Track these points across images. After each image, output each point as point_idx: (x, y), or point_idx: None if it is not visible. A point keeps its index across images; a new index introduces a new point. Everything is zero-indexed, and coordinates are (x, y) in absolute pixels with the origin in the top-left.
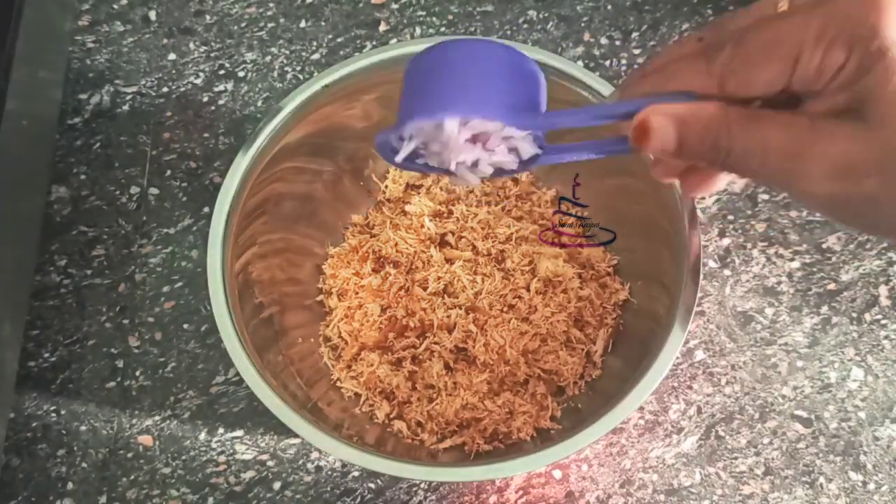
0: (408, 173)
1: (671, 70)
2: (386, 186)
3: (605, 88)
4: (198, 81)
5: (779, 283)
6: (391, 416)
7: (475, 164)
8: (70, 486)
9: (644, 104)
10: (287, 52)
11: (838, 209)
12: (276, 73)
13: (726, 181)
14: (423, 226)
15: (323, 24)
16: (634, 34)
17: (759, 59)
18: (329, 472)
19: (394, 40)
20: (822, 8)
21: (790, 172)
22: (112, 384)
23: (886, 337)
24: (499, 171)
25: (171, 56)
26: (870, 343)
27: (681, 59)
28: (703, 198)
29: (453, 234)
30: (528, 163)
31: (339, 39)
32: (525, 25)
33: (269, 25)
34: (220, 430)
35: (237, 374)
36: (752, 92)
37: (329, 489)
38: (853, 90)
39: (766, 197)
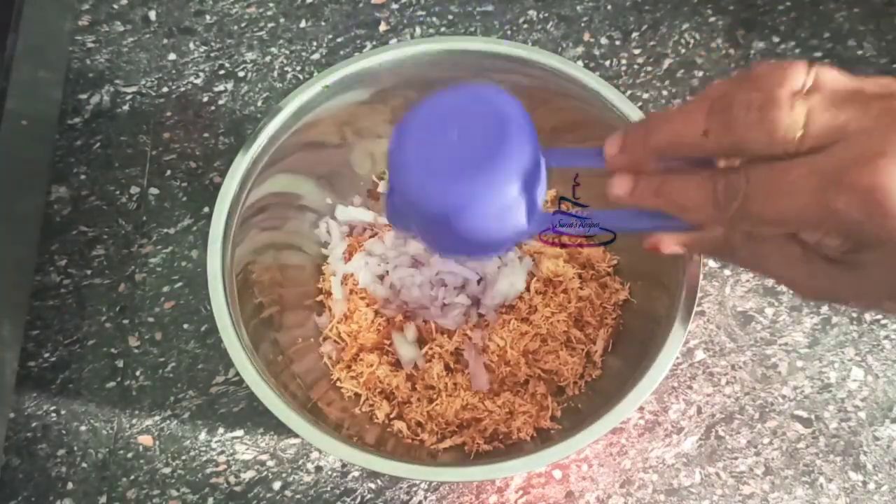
0: None
1: (675, 184)
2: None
3: (606, 88)
4: (198, 81)
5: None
6: (391, 416)
7: None
8: (70, 486)
9: (645, 224)
10: (287, 52)
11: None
12: (276, 73)
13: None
14: None
15: (323, 24)
16: (634, 34)
17: (765, 223)
18: (329, 472)
19: (394, 40)
20: (819, 179)
21: (789, 285)
22: (112, 384)
23: (886, 337)
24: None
25: (171, 56)
26: (870, 343)
27: (686, 148)
28: None
29: None
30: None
31: (339, 39)
32: (525, 25)
33: (269, 25)
34: (220, 430)
35: (237, 374)
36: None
37: (329, 489)
38: (844, 256)
39: None
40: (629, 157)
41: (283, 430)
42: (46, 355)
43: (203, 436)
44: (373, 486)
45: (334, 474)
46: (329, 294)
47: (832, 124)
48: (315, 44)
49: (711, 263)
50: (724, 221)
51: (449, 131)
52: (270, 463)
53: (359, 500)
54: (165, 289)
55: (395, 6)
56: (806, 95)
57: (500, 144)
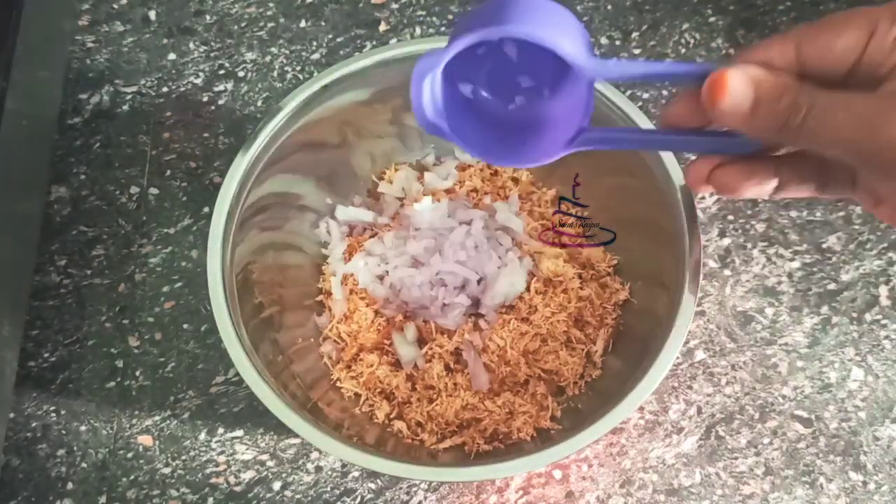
0: (403, 174)
1: (752, 49)
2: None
3: (606, 88)
4: (198, 81)
5: (779, 282)
6: (391, 416)
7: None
8: (70, 486)
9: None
10: (287, 51)
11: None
12: (275, 73)
13: (753, 192)
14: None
15: (323, 23)
16: (634, 34)
17: (835, 27)
18: (329, 473)
19: (394, 40)
20: None
21: (867, 136)
22: (112, 384)
23: (886, 337)
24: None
25: (171, 56)
26: (870, 343)
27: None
28: (703, 197)
29: None
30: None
31: (339, 39)
32: None
33: (269, 25)
34: (220, 430)
35: (237, 374)
36: (828, 59)
37: (329, 489)
38: None
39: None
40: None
41: (283, 430)
42: (46, 355)
43: (203, 436)
44: (373, 486)
45: (334, 474)
46: (329, 294)
47: None
48: (315, 44)
49: (711, 263)
50: (793, 42)
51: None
52: (270, 463)
53: (359, 500)
54: (165, 289)
55: (395, 6)
56: None
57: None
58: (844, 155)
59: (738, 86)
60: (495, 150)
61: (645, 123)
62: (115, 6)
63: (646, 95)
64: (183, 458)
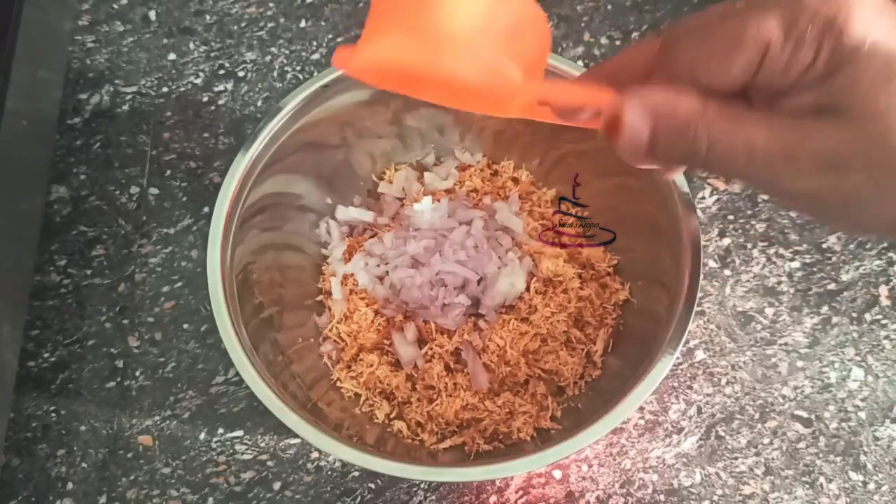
0: (403, 174)
1: (633, 66)
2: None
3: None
4: (198, 81)
5: (779, 282)
6: (391, 416)
7: None
8: (70, 486)
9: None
10: (287, 51)
11: (823, 206)
12: (275, 73)
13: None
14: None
15: (323, 23)
16: (634, 34)
17: (727, 49)
18: (329, 473)
19: None
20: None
21: (776, 171)
22: (112, 384)
23: (887, 337)
24: None
25: (171, 56)
26: (870, 343)
27: (641, 55)
28: (703, 197)
29: None
30: None
31: (339, 39)
32: None
33: (269, 25)
34: (220, 430)
35: (237, 374)
36: (722, 84)
37: (329, 489)
38: (824, 89)
39: (766, 197)
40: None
41: (283, 430)
42: (46, 355)
43: (203, 436)
44: (373, 486)
45: (334, 474)
46: (329, 294)
47: None
48: (315, 44)
49: (711, 263)
50: (683, 67)
51: None
52: (270, 463)
53: (359, 500)
54: (165, 289)
55: None
56: None
57: None
58: (755, 188)
59: (634, 123)
60: None
61: None
62: (115, 6)
63: None
64: (183, 458)
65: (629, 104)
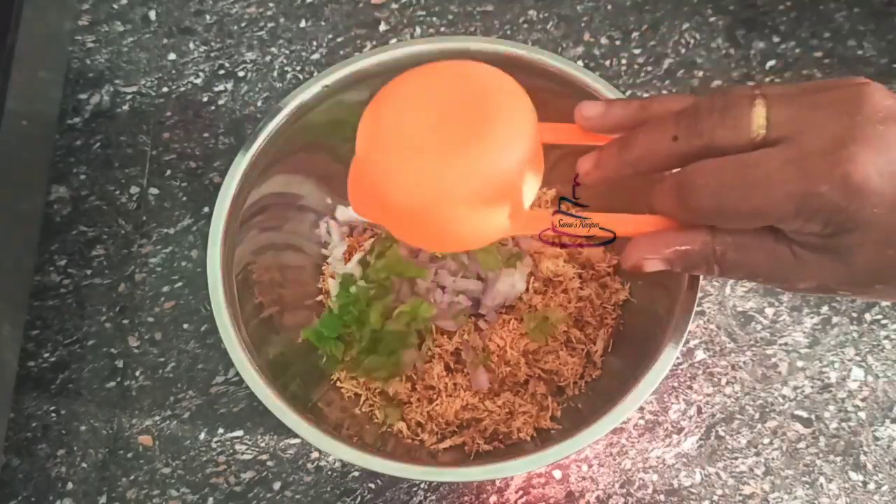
0: None
1: (654, 165)
2: None
3: (605, 88)
4: (198, 81)
5: None
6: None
7: None
8: (70, 486)
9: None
10: (287, 51)
11: (814, 292)
12: (275, 73)
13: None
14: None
15: (323, 23)
16: (634, 34)
17: (742, 220)
18: (329, 473)
19: (394, 40)
20: (795, 168)
21: (776, 285)
22: (112, 384)
23: (887, 337)
24: None
25: (171, 56)
26: (870, 343)
27: (659, 158)
28: None
29: None
30: None
31: (338, 39)
32: (525, 25)
33: (269, 25)
34: (220, 431)
35: (237, 374)
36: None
37: (329, 489)
38: (828, 241)
39: None
40: (603, 173)
41: (283, 430)
42: (46, 355)
43: (203, 436)
44: (373, 486)
45: (334, 474)
46: (329, 294)
47: (793, 114)
48: (315, 44)
49: None
50: (694, 217)
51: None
52: (270, 463)
53: (359, 500)
54: (165, 289)
55: (394, 6)
56: (762, 96)
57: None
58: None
59: (653, 268)
60: None
61: None
62: (115, 6)
63: (646, 95)
64: (183, 458)
65: (649, 259)
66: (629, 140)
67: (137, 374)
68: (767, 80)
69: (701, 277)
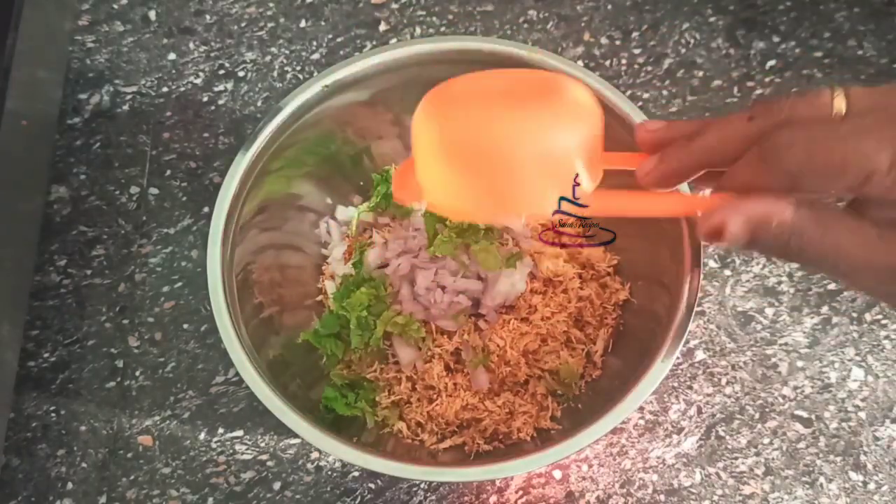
0: None
1: (724, 153)
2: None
3: (606, 88)
4: (198, 81)
5: (779, 282)
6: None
7: None
8: (70, 486)
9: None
10: (287, 51)
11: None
12: (275, 73)
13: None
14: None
15: (323, 23)
16: (634, 34)
17: (832, 174)
18: (329, 473)
19: (394, 40)
20: (889, 129)
21: (858, 274)
22: (112, 384)
23: (887, 337)
24: None
25: (171, 56)
26: (870, 343)
27: (733, 144)
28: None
29: None
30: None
31: (338, 39)
32: (525, 25)
33: (269, 25)
34: (220, 431)
35: (237, 374)
36: (823, 197)
37: (329, 489)
38: None
39: None
40: (667, 166)
41: (282, 430)
42: (46, 355)
43: (203, 436)
44: (373, 486)
45: (334, 474)
46: (329, 294)
47: (871, 96)
48: (315, 44)
49: (712, 263)
50: (783, 181)
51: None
52: (270, 463)
53: (359, 500)
54: (165, 289)
55: (394, 6)
56: (839, 87)
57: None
58: (833, 279)
59: (736, 231)
60: None
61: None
62: (115, 6)
63: (646, 95)
64: (183, 458)
65: (732, 218)
66: (699, 130)
67: (137, 374)
68: (767, 80)
69: (701, 277)
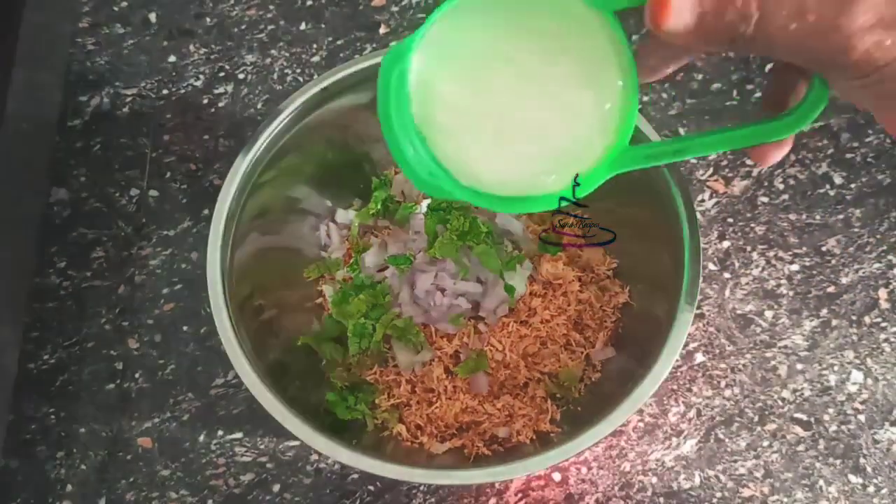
0: (403, 177)
1: None
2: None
3: None
4: (198, 83)
5: (778, 285)
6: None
7: None
8: (69, 488)
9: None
10: (287, 54)
11: (875, 70)
12: (275, 76)
13: (783, 152)
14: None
15: (323, 26)
16: (634, 36)
17: None
18: (328, 475)
19: (393, 43)
20: None
21: (829, 27)
22: (111, 386)
23: (886, 340)
24: None
25: (171, 58)
26: (869, 346)
27: None
28: (703, 200)
29: None
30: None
31: (338, 42)
32: None
33: (269, 28)
34: (220, 433)
35: (236, 376)
36: None
37: (328, 491)
38: None
39: (765, 200)
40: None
41: (282, 432)
42: (46, 357)
43: (202, 438)
44: (372, 488)
45: (333, 477)
46: (328, 298)
47: None
48: (315, 46)
49: (711, 266)
50: None
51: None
52: (270, 465)
53: (358, 502)
54: (165, 291)
55: (394, 9)
56: None
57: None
58: (807, 64)
59: (680, 4)
60: None
61: (646, 128)
62: (116, 8)
63: (646, 98)
64: (182, 460)
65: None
66: None
67: (137, 376)
68: (766, 83)
69: (700, 279)
